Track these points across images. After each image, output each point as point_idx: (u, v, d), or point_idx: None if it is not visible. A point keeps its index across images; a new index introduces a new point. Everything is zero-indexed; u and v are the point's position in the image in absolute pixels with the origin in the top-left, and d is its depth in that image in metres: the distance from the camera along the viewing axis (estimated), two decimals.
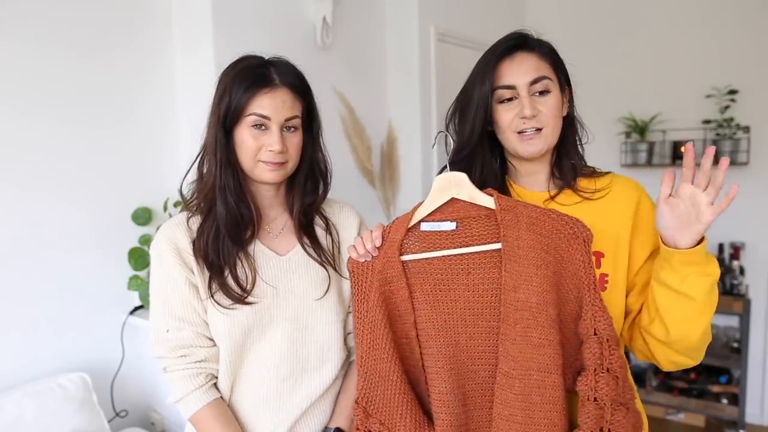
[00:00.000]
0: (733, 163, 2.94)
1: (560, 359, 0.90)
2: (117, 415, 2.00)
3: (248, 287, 1.08)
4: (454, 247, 1.00)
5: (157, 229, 1.15)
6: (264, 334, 1.10)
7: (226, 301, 1.06)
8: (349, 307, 1.20)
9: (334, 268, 1.17)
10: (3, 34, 1.72)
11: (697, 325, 0.94)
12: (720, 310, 2.82)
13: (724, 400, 2.94)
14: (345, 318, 1.18)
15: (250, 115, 1.04)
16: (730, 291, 2.91)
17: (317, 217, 1.19)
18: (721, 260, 2.98)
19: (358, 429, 1.02)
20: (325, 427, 1.15)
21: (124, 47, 2.00)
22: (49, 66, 1.82)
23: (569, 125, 1.10)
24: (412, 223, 1.02)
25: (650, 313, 0.98)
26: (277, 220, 1.17)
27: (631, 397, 0.91)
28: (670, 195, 0.92)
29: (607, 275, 1.02)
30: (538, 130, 1.03)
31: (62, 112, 1.86)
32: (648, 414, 1.12)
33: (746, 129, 2.93)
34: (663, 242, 0.93)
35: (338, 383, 1.19)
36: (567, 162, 1.10)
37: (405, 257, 1.02)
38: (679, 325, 0.95)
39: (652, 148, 3.15)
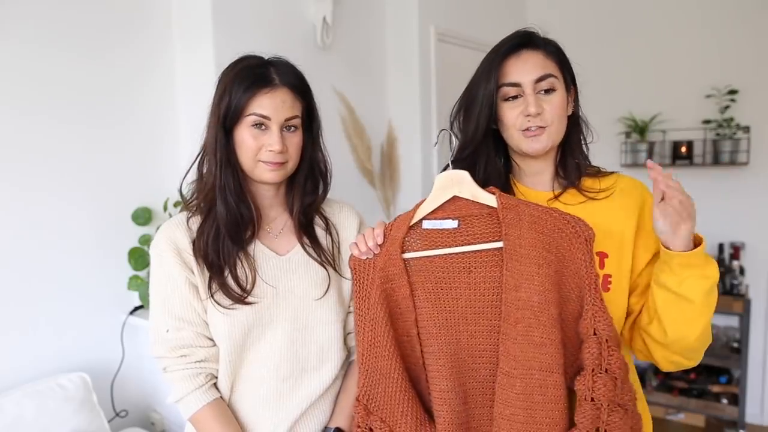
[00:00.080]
0: (733, 163, 2.95)
1: (562, 358, 0.90)
2: (117, 415, 2.00)
3: (248, 287, 1.08)
4: (456, 246, 1.00)
5: (157, 229, 1.15)
6: (264, 334, 1.10)
7: (226, 301, 1.06)
8: (349, 306, 1.20)
9: (334, 268, 1.17)
10: (3, 34, 1.72)
11: (695, 326, 0.94)
12: (720, 310, 2.82)
13: (724, 400, 2.94)
14: (345, 318, 1.18)
15: (250, 115, 1.04)
16: (730, 291, 2.91)
17: (317, 217, 1.19)
18: (721, 260, 2.98)
19: (359, 426, 1.02)
20: (325, 427, 1.15)
21: (124, 47, 2.00)
22: (49, 66, 1.82)
23: (574, 125, 1.10)
24: (414, 221, 1.02)
25: (649, 314, 0.98)
26: (277, 220, 1.17)
27: (630, 399, 0.90)
28: (662, 199, 0.92)
29: (610, 275, 1.02)
30: (543, 128, 1.03)
31: (62, 112, 1.86)
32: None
33: (746, 129, 2.93)
34: (662, 245, 0.93)
35: (338, 383, 1.19)
36: (571, 161, 1.09)
37: (407, 255, 1.02)
38: (677, 326, 0.95)
39: (652, 148, 3.15)
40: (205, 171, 1.11)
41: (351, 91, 2.57)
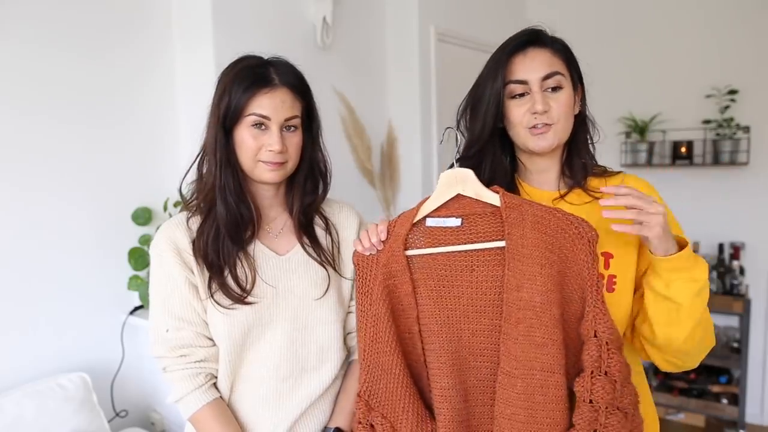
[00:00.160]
0: (733, 163, 2.95)
1: (563, 359, 0.90)
2: (117, 415, 2.00)
3: (248, 287, 1.08)
4: (459, 244, 1.00)
5: (157, 229, 1.15)
6: (263, 333, 1.10)
7: (226, 301, 1.06)
8: (349, 306, 1.20)
9: (334, 268, 1.17)
10: (3, 34, 1.72)
11: (682, 329, 0.94)
12: (720, 310, 2.84)
13: (724, 400, 2.93)
14: (344, 318, 1.18)
15: (249, 115, 1.04)
16: (730, 291, 2.91)
17: (317, 217, 1.19)
18: (721, 260, 2.98)
19: (360, 423, 1.02)
20: (325, 427, 1.15)
21: (124, 47, 2.00)
22: (49, 66, 1.82)
23: (581, 124, 1.09)
24: (417, 218, 1.03)
25: (642, 315, 0.99)
26: (277, 220, 1.17)
27: (629, 403, 0.90)
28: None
29: (615, 276, 1.01)
30: (549, 125, 1.02)
31: (62, 112, 1.86)
32: None
33: (746, 129, 2.92)
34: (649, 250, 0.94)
35: (338, 383, 1.19)
36: (578, 161, 1.09)
37: (409, 252, 1.02)
38: (665, 328, 0.95)
39: (652, 148, 3.15)
40: (204, 171, 1.11)
41: (351, 91, 2.57)
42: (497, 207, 0.98)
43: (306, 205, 1.16)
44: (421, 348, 1.01)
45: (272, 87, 1.05)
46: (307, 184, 1.16)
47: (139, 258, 1.98)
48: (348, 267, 1.19)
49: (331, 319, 1.14)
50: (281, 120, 1.05)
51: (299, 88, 1.10)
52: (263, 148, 1.05)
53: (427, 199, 1.03)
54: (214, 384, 1.11)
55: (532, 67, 1.03)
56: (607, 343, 0.89)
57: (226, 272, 1.07)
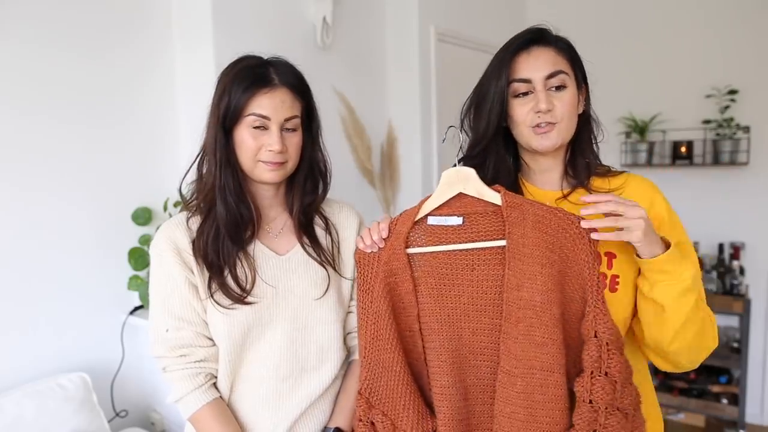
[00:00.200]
0: (733, 163, 2.95)
1: (563, 358, 0.90)
2: (117, 415, 2.00)
3: (248, 287, 1.08)
4: (460, 242, 1.00)
5: (157, 229, 1.15)
6: (263, 333, 1.10)
7: (226, 301, 1.06)
8: (349, 306, 1.20)
9: (334, 268, 1.17)
10: (3, 34, 1.72)
11: (667, 331, 0.94)
12: (720, 310, 2.83)
13: (724, 400, 2.93)
14: (344, 318, 1.18)
15: (249, 115, 1.04)
16: (730, 291, 2.91)
17: (317, 216, 1.19)
18: (721, 260, 2.98)
19: (360, 420, 1.02)
20: (325, 427, 1.15)
21: (124, 47, 2.00)
22: (49, 66, 1.82)
23: (584, 123, 1.09)
24: (419, 217, 1.03)
25: (636, 316, 1.00)
26: (277, 219, 1.17)
27: (630, 404, 0.90)
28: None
29: (618, 276, 1.01)
30: (553, 124, 1.02)
31: (62, 112, 1.86)
32: None
33: (746, 129, 2.92)
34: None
35: (338, 383, 1.19)
36: (581, 160, 1.08)
37: (411, 250, 1.02)
38: (651, 329, 0.96)
39: (652, 148, 3.15)
40: (204, 171, 1.11)
41: (351, 91, 2.57)
42: (498, 206, 0.98)
43: (306, 204, 1.16)
44: (422, 346, 1.01)
45: (272, 87, 1.05)
46: (307, 184, 1.16)
47: (139, 258, 1.98)
48: (348, 267, 1.19)
49: (331, 318, 1.14)
50: (281, 120, 1.05)
51: (299, 88, 1.10)
52: (263, 148, 1.05)
53: (429, 197, 1.04)
54: (214, 384, 1.11)
55: (535, 65, 1.02)
56: (607, 343, 0.89)
57: (226, 272, 1.07)
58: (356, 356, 1.19)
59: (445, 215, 1.02)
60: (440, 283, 1.00)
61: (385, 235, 1.03)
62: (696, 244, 3.02)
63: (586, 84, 1.10)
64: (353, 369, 1.20)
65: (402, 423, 0.99)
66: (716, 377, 3.03)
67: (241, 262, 1.09)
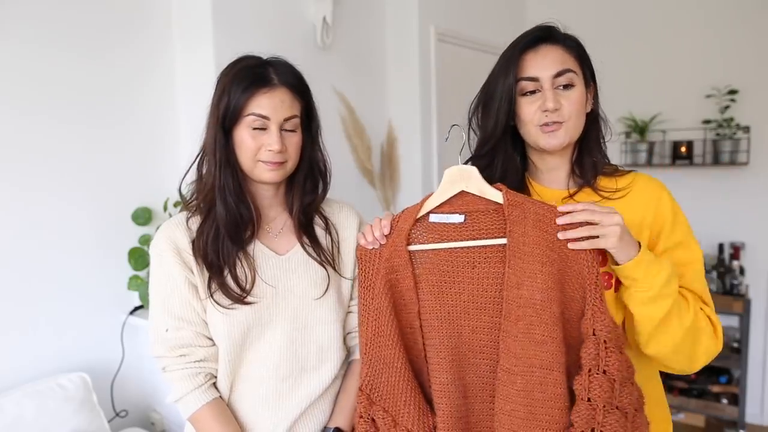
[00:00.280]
0: (733, 163, 2.95)
1: (563, 357, 0.90)
2: (117, 415, 2.00)
3: (248, 287, 1.08)
4: (461, 240, 1.00)
5: (157, 229, 1.15)
6: (263, 333, 1.10)
7: (226, 301, 1.06)
8: (349, 306, 1.20)
9: (334, 268, 1.17)
10: (3, 34, 1.72)
11: (641, 335, 0.95)
12: (720, 310, 2.81)
13: (724, 400, 2.94)
14: (344, 317, 1.18)
15: (249, 115, 1.04)
16: (730, 291, 2.91)
17: (317, 216, 1.19)
18: (721, 260, 2.98)
19: (361, 417, 1.02)
20: (325, 427, 1.15)
21: (124, 47, 2.00)
22: (49, 66, 1.82)
23: (593, 122, 1.09)
24: (421, 214, 1.03)
25: None
26: (277, 219, 1.17)
27: (630, 403, 0.90)
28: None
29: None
30: (560, 123, 1.02)
31: (62, 112, 1.86)
32: None
33: (746, 129, 2.92)
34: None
35: (338, 383, 1.19)
36: (588, 160, 1.08)
37: (412, 247, 1.02)
38: (630, 333, 0.98)
39: (652, 148, 3.15)
40: (204, 171, 1.11)
41: (351, 91, 2.57)
42: (500, 204, 0.99)
43: (306, 204, 1.16)
44: (422, 343, 1.01)
45: (271, 87, 1.05)
46: (306, 184, 1.16)
47: (139, 258, 1.98)
48: (348, 267, 1.19)
49: (330, 318, 1.14)
50: (280, 120, 1.05)
51: (298, 87, 1.10)
52: (263, 148, 1.05)
53: (431, 195, 1.04)
54: (214, 384, 1.11)
55: (543, 64, 1.02)
56: (605, 341, 0.89)
57: (226, 272, 1.07)
58: (356, 356, 1.19)
59: (447, 213, 1.02)
60: (441, 280, 1.00)
61: (386, 231, 1.03)
62: None
63: (595, 82, 1.09)
64: (353, 369, 1.20)
65: (403, 419, 0.99)
66: (716, 377, 3.03)
67: (240, 262, 1.09)
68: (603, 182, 1.07)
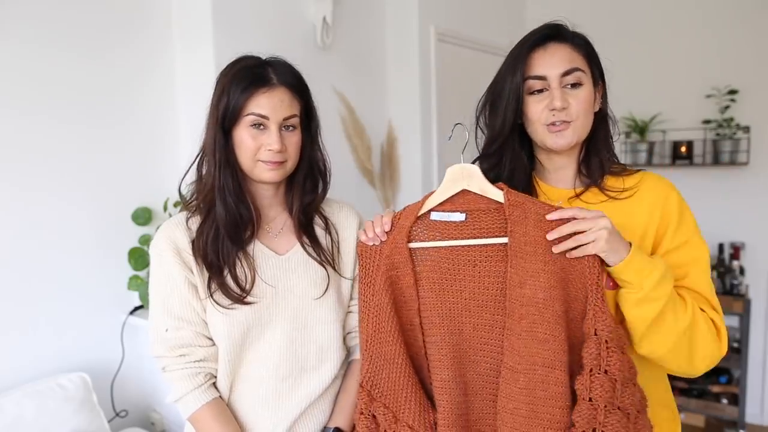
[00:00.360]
0: (733, 163, 2.95)
1: (565, 356, 0.90)
2: (117, 415, 2.00)
3: (247, 287, 1.08)
4: (462, 238, 1.00)
5: (157, 229, 1.15)
6: (263, 333, 1.10)
7: (226, 301, 1.06)
8: (349, 306, 1.20)
9: (333, 268, 1.17)
10: (3, 34, 1.72)
11: (634, 335, 0.95)
12: None
13: (724, 400, 2.93)
14: (344, 317, 1.18)
15: (248, 114, 1.04)
16: (730, 291, 2.91)
17: (317, 216, 1.19)
18: (721, 260, 2.98)
19: (362, 413, 1.02)
20: (325, 427, 1.15)
21: (124, 47, 2.00)
22: (49, 66, 1.82)
23: (601, 121, 1.08)
24: (422, 212, 1.03)
25: None
26: (277, 219, 1.17)
27: (632, 404, 0.89)
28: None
29: None
30: (568, 122, 1.01)
31: (62, 112, 1.86)
32: None
33: (746, 129, 2.92)
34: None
35: (337, 383, 1.19)
36: (595, 159, 1.07)
37: (413, 244, 1.02)
38: (627, 333, 0.97)
39: (652, 148, 3.15)
40: (204, 172, 1.11)
41: (351, 91, 2.57)
42: (501, 204, 0.99)
43: (306, 204, 1.16)
44: (422, 340, 1.02)
45: (270, 86, 1.05)
46: (306, 184, 1.16)
47: (139, 258, 1.98)
48: (347, 267, 1.19)
49: (330, 318, 1.14)
50: (280, 119, 1.05)
51: (297, 87, 1.10)
52: (262, 148, 1.05)
53: (432, 193, 1.04)
54: (214, 384, 1.11)
55: (551, 62, 1.01)
56: (606, 341, 0.89)
57: (226, 272, 1.07)
58: (356, 356, 1.19)
59: (448, 211, 1.02)
60: (442, 278, 1.01)
61: (387, 228, 1.03)
62: None
63: (604, 81, 1.09)
64: (353, 369, 1.20)
65: (404, 415, 0.99)
66: (716, 377, 3.03)
67: (240, 262, 1.09)
68: (610, 182, 1.07)
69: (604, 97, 1.09)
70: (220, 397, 1.11)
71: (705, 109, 3.05)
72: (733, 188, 3.07)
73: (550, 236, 0.92)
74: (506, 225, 0.97)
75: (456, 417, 0.97)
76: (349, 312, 1.20)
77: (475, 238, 1.00)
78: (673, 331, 0.93)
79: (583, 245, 0.90)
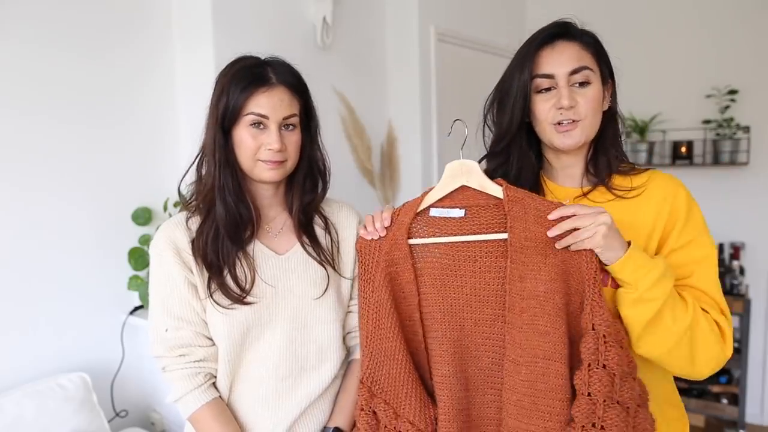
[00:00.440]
0: (733, 163, 2.95)
1: (565, 348, 0.90)
2: (117, 415, 2.00)
3: (247, 287, 1.08)
4: (462, 234, 1.00)
5: (157, 229, 1.15)
6: (263, 333, 1.10)
7: (225, 301, 1.06)
8: (349, 306, 1.20)
9: (333, 268, 1.17)
10: (3, 34, 1.72)
11: (631, 334, 0.95)
12: None
13: (724, 400, 2.93)
14: (344, 317, 1.18)
15: (248, 114, 1.04)
16: (730, 291, 2.91)
17: (316, 216, 1.19)
18: (721, 260, 2.98)
19: (362, 409, 1.02)
20: (324, 427, 1.15)
21: (124, 47, 2.00)
22: (49, 66, 1.82)
23: (609, 120, 1.07)
24: (421, 208, 1.03)
25: None
26: (277, 219, 1.17)
27: (631, 398, 0.89)
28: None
29: None
30: (576, 122, 1.00)
31: (62, 112, 1.86)
32: None
33: (746, 129, 2.92)
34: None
35: (337, 383, 1.19)
36: (603, 158, 1.07)
37: (412, 241, 1.02)
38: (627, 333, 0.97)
39: (652, 148, 3.15)
40: (204, 172, 1.11)
41: (351, 91, 2.57)
42: (500, 199, 0.99)
43: (305, 204, 1.16)
44: (422, 335, 1.02)
45: (270, 86, 1.05)
46: (306, 183, 1.16)
47: (139, 258, 1.98)
48: (347, 266, 1.19)
49: (330, 318, 1.14)
50: (279, 119, 1.05)
51: (297, 87, 1.10)
52: (262, 147, 1.05)
53: (431, 188, 1.04)
54: (214, 384, 1.11)
55: (559, 61, 1.00)
56: (604, 336, 0.89)
57: (226, 272, 1.07)
58: (356, 356, 1.19)
59: (448, 207, 1.02)
60: (443, 273, 1.01)
61: (387, 223, 1.03)
62: None
63: (613, 79, 1.07)
64: (353, 368, 1.20)
65: (404, 411, 0.99)
66: (716, 377, 3.03)
67: (240, 262, 1.09)
68: (617, 180, 1.06)
69: (613, 95, 1.08)
70: (220, 397, 1.11)
71: (705, 109, 3.05)
72: (733, 188, 3.07)
73: (551, 233, 0.92)
74: (506, 221, 0.97)
75: (457, 412, 0.98)
76: (349, 312, 1.20)
77: (474, 233, 1.00)
78: (672, 332, 0.92)
79: (580, 239, 0.90)
